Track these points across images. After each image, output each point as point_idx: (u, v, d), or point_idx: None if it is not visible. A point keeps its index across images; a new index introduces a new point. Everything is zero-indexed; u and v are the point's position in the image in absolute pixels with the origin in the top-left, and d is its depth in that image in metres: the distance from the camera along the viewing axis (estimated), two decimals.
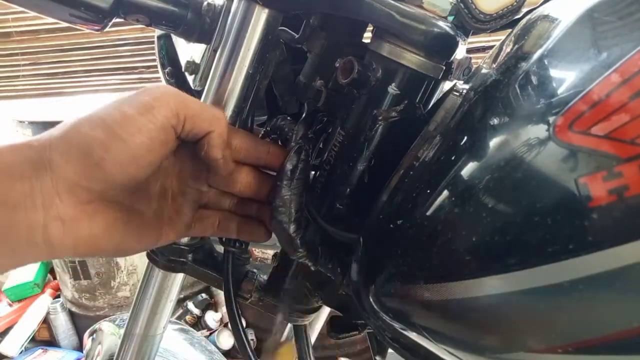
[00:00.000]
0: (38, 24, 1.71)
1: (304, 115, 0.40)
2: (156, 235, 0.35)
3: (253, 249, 1.57)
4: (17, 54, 1.77)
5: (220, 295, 1.85)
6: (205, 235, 0.40)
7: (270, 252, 1.55)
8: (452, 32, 0.33)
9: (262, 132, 0.41)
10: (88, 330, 0.89)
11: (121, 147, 0.28)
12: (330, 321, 0.44)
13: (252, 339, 1.75)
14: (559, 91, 0.23)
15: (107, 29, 0.38)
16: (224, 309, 1.87)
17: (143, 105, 0.29)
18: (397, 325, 0.31)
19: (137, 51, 1.75)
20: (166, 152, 0.31)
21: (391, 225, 0.30)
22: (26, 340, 1.78)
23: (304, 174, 0.36)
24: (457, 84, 0.33)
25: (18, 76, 1.81)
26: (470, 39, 0.37)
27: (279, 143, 0.41)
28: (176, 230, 0.37)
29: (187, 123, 0.31)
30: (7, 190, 0.26)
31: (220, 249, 0.44)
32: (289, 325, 0.61)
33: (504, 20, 0.32)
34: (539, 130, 0.23)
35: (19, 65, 1.80)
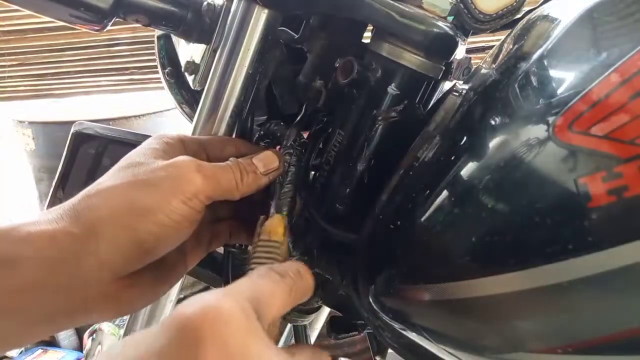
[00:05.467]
0: (25, 24, 1.67)
1: (297, 119, 0.40)
2: (183, 268, 0.36)
3: None
4: (2, 55, 1.75)
5: None
6: (220, 246, 0.41)
7: None
8: (451, 33, 0.33)
9: (256, 137, 0.41)
10: (88, 330, 0.89)
11: (172, 234, 0.30)
12: (330, 321, 0.44)
13: None
14: (559, 91, 0.23)
15: None
16: None
17: (182, 191, 0.29)
18: (396, 326, 0.31)
19: (129, 52, 1.73)
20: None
21: (391, 226, 0.30)
22: None
23: (294, 179, 0.36)
24: (457, 84, 0.33)
25: (4, 77, 1.79)
26: (470, 39, 0.37)
27: (276, 147, 0.41)
28: (199, 255, 0.38)
29: (219, 196, 0.32)
30: (47, 277, 0.27)
31: (220, 249, 0.44)
32: (289, 326, 0.61)
33: (504, 20, 0.32)
34: (538, 131, 0.23)
35: (4, 66, 1.77)
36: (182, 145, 0.34)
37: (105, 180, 0.30)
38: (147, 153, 0.32)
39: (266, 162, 0.35)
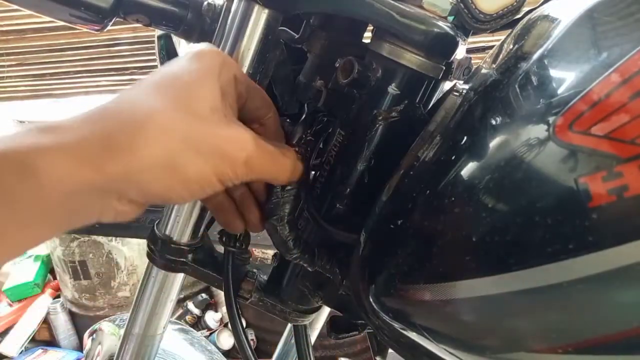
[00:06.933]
0: (24, 23, 1.66)
1: (302, 117, 0.40)
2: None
3: (253, 249, 1.57)
4: (1, 55, 1.74)
5: (220, 295, 1.85)
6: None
7: (270, 252, 1.55)
8: (452, 32, 0.33)
9: None
10: (88, 330, 0.89)
11: (190, 197, 0.29)
12: (330, 321, 0.44)
13: (252, 339, 1.75)
14: (559, 91, 0.23)
15: None
16: (224, 309, 1.87)
17: (221, 161, 0.29)
18: (397, 325, 0.31)
19: (129, 52, 1.72)
20: None
21: (391, 226, 0.30)
22: (26, 340, 1.77)
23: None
24: (457, 84, 0.33)
25: (3, 77, 1.79)
26: (470, 39, 0.37)
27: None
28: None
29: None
30: (71, 205, 0.26)
31: (220, 249, 0.44)
32: (289, 325, 0.61)
33: (504, 20, 0.32)
34: (539, 130, 0.23)
35: (3, 67, 1.77)
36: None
37: None
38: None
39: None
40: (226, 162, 0.29)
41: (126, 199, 0.28)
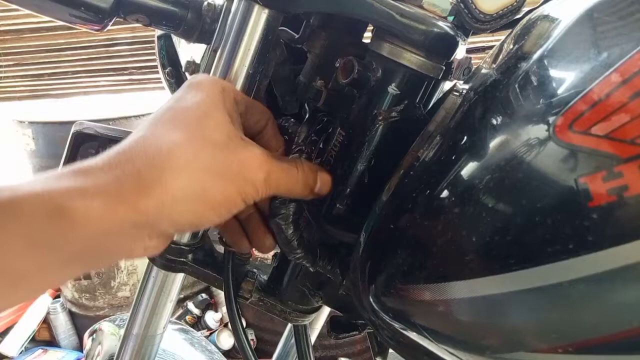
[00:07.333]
0: (22, 23, 1.66)
1: (307, 117, 0.40)
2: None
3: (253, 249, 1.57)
4: None
5: (220, 295, 1.85)
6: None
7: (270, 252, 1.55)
8: (452, 32, 0.33)
9: None
10: (88, 330, 0.89)
11: (218, 220, 0.31)
12: (330, 321, 0.44)
13: (252, 339, 1.75)
14: (559, 91, 0.23)
15: None
16: (224, 309, 1.87)
17: (244, 182, 0.30)
18: (397, 325, 0.31)
19: (128, 52, 1.72)
20: None
21: (391, 225, 0.30)
22: (26, 340, 1.77)
23: None
24: (457, 84, 0.33)
25: (1, 77, 1.79)
26: (470, 39, 0.37)
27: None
28: None
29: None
30: (103, 245, 0.27)
31: (220, 249, 0.44)
32: (289, 325, 0.61)
33: (504, 20, 0.32)
34: (539, 130, 0.23)
35: (1, 67, 1.76)
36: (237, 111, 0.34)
37: None
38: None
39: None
40: (248, 182, 0.30)
41: (156, 233, 0.29)
